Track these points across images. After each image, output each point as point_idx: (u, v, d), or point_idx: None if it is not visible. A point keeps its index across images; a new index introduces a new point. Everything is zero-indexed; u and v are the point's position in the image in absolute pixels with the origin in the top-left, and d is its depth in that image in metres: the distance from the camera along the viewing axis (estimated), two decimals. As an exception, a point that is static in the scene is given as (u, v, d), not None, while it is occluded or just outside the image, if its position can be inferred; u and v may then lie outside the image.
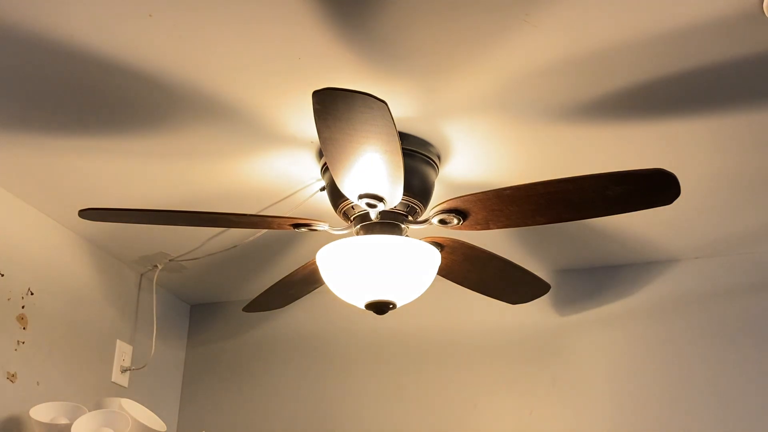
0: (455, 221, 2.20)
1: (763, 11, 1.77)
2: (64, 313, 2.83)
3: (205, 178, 2.54)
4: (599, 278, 3.12)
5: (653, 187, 1.99)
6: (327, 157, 1.96)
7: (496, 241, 2.76)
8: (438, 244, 2.36)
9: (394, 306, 2.25)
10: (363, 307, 2.26)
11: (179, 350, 3.46)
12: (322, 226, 2.30)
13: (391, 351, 3.23)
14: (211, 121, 2.24)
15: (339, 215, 2.35)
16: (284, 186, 2.55)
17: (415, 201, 2.29)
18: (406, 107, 2.16)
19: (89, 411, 2.58)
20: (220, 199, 2.62)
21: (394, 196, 2.11)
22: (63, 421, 2.51)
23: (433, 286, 2.34)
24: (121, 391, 3.01)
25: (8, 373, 2.56)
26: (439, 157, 2.37)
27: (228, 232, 2.82)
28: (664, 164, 1.98)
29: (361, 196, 2.11)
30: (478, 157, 2.40)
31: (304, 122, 2.20)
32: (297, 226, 2.30)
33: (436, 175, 2.39)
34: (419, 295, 2.31)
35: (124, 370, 3.05)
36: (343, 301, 2.33)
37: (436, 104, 2.16)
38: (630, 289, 3.08)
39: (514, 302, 2.78)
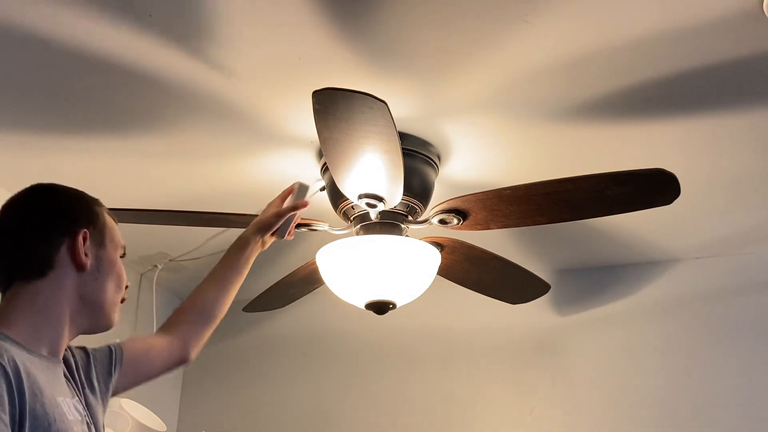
0: (455, 221, 2.20)
1: (763, 11, 1.77)
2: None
3: (205, 178, 2.54)
4: (599, 278, 3.12)
5: (653, 187, 1.99)
6: (327, 157, 1.96)
7: (496, 241, 2.76)
8: (438, 244, 2.36)
9: (394, 306, 2.25)
10: (363, 307, 2.26)
11: (179, 350, 3.45)
12: (322, 226, 2.30)
13: (391, 351, 3.23)
14: (211, 121, 2.24)
15: (339, 215, 2.35)
16: (284, 186, 2.54)
17: (415, 201, 2.29)
18: (406, 107, 2.16)
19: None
20: (220, 199, 2.62)
21: (394, 196, 2.11)
22: (63, 421, 2.50)
23: (433, 286, 2.34)
24: (121, 391, 3.01)
25: (8, 373, 2.55)
26: (439, 157, 2.37)
27: (228, 232, 2.82)
28: (664, 164, 1.98)
29: (361, 196, 2.11)
30: (478, 157, 2.40)
31: (304, 122, 2.20)
32: (297, 226, 2.29)
33: (436, 175, 2.39)
34: (419, 295, 2.32)
35: (124, 370, 3.05)
36: (343, 301, 2.33)
37: (436, 104, 2.16)
38: (630, 289, 3.08)
39: (514, 302, 2.78)
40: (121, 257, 1.50)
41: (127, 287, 1.51)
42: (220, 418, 3.33)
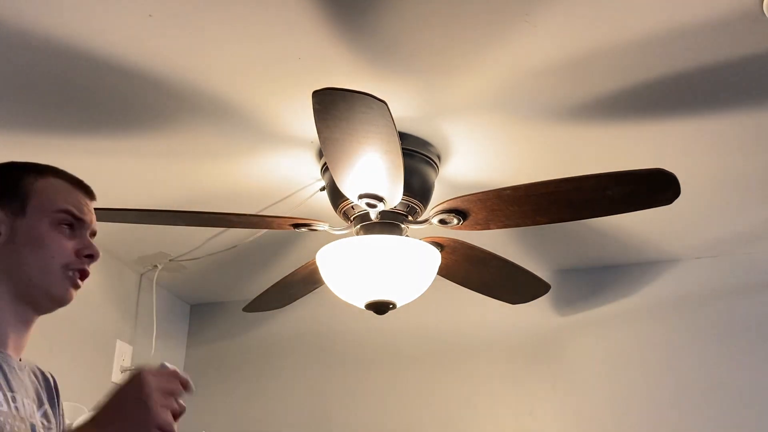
0: (455, 221, 2.20)
1: (763, 11, 1.77)
2: (64, 313, 2.77)
3: (205, 178, 2.54)
4: (599, 278, 3.12)
5: (653, 187, 1.99)
6: (327, 157, 1.96)
7: (496, 241, 2.76)
8: (438, 244, 2.36)
9: (394, 306, 2.25)
10: (363, 307, 2.26)
11: (179, 350, 3.45)
12: (322, 226, 2.30)
13: (391, 351, 3.23)
14: (211, 121, 2.24)
15: (339, 215, 2.35)
16: (284, 186, 2.55)
17: (415, 201, 2.29)
18: (406, 107, 2.16)
19: (89, 411, 2.58)
20: (220, 199, 2.62)
21: (394, 196, 2.11)
22: (63, 421, 2.50)
23: (433, 286, 2.34)
24: (121, 391, 3.01)
25: (8, 373, 2.55)
26: (439, 157, 2.37)
27: (228, 232, 2.82)
28: (663, 164, 1.98)
29: (361, 196, 2.11)
30: (478, 157, 2.40)
31: (304, 122, 2.20)
32: (297, 226, 2.30)
33: (436, 175, 2.39)
34: (419, 295, 2.31)
35: (124, 370, 3.04)
36: (343, 301, 2.33)
37: (437, 104, 2.16)
38: (630, 289, 3.08)
39: (514, 302, 2.78)
40: (67, 222, 1.40)
41: (91, 255, 1.41)
42: (220, 418, 3.33)
